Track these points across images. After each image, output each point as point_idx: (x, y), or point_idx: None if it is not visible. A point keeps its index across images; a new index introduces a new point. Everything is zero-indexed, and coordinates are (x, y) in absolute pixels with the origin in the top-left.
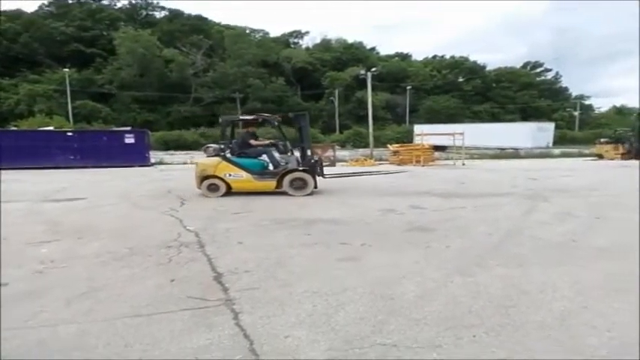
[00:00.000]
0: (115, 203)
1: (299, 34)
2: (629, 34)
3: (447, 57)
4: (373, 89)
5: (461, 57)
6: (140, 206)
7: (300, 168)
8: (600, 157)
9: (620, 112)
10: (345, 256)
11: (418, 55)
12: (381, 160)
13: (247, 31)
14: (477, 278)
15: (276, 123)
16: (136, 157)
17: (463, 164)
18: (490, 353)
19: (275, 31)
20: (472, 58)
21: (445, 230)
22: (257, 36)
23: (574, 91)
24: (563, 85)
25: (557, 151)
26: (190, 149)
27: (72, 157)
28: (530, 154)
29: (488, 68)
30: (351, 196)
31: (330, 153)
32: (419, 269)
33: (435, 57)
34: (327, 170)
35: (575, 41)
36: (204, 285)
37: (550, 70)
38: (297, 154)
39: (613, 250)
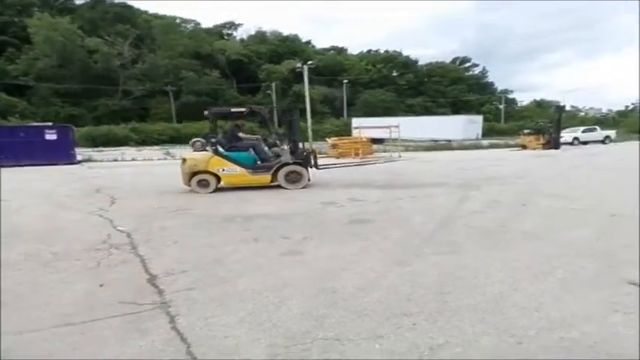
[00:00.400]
0: (38, 204)
1: (232, 26)
2: (544, 33)
3: (382, 51)
4: (310, 83)
5: (394, 52)
6: (65, 207)
7: (293, 161)
8: (524, 147)
9: (540, 105)
10: (287, 251)
11: (353, 50)
12: (320, 153)
13: (177, 21)
14: (414, 267)
15: (268, 115)
16: (60, 154)
17: (400, 156)
18: (429, 339)
19: (207, 22)
20: (405, 53)
21: (384, 221)
22: (188, 26)
23: (499, 86)
24: (490, 80)
25: (485, 142)
26: (121, 145)
27: None
28: (461, 146)
29: (420, 63)
30: (290, 190)
31: None
32: (359, 261)
33: (369, 51)
34: None
35: (499, 39)
36: (136, 288)
37: (477, 65)
38: (284, 147)
39: (538, 234)
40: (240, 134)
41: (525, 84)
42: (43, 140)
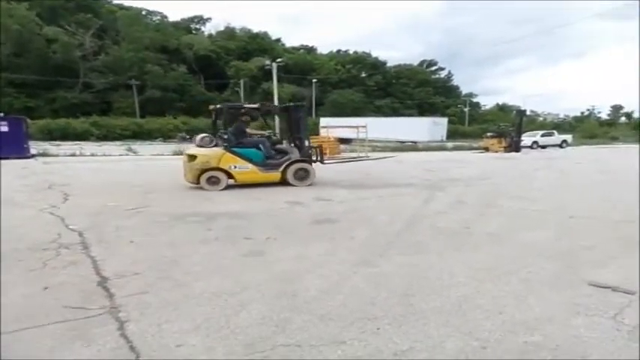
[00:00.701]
0: None
1: (201, 20)
2: (508, 38)
3: (351, 52)
4: (279, 81)
5: (364, 52)
6: (14, 203)
7: (300, 158)
8: (487, 149)
9: (502, 109)
10: (249, 252)
11: (323, 49)
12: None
13: (143, 13)
14: (379, 269)
15: (279, 113)
16: (12, 147)
17: (367, 156)
18: (393, 345)
19: (174, 16)
20: (373, 55)
21: (350, 221)
22: (154, 19)
23: (464, 89)
24: (455, 84)
25: (450, 144)
26: (80, 139)
27: None
28: (427, 147)
29: (388, 65)
30: (255, 188)
31: None
32: (324, 262)
33: (339, 51)
34: None
35: (464, 43)
36: (85, 292)
37: (444, 68)
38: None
39: (501, 235)
40: (248, 130)
41: (489, 88)
42: None
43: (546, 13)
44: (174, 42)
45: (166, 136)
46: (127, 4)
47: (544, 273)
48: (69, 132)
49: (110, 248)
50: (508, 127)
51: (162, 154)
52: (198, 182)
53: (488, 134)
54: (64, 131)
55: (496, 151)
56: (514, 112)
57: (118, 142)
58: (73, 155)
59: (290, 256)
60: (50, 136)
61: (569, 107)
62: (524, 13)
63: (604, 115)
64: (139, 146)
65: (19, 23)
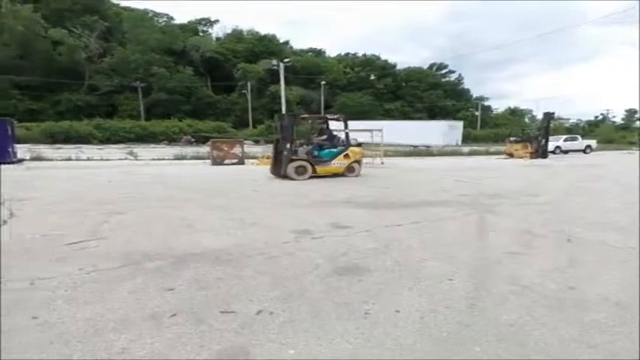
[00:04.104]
0: None
1: (208, 22)
2: (513, 43)
3: (360, 54)
4: (287, 84)
5: (372, 55)
6: None
7: None
8: (511, 155)
9: (513, 113)
10: (220, 350)
11: (331, 52)
12: None
13: (149, 15)
14: None
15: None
16: None
17: (382, 163)
18: None
19: (181, 18)
20: (382, 58)
21: (384, 271)
22: (160, 20)
23: (474, 93)
24: (466, 87)
25: (465, 149)
26: (82, 142)
27: None
28: (441, 152)
29: (397, 68)
30: (248, 200)
31: (237, 149)
32: None
33: (347, 54)
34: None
35: (470, 48)
36: None
37: (454, 72)
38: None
39: (624, 302)
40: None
41: (495, 92)
42: None
43: (548, 18)
44: (180, 44)
45: (171, 138)
46: (133, 5)
47: None
48: (72, 135)
49: None
50: (534, 131)
51: (163, 159)
52: None
53: (512, 139)
54: (67, 134)
55: (521, 157)
56: (538, 114)
57: (121, 145)
58: (69, 159)
59: None
60: (52, 139)
61: (579, 111)
62: (527, 17)
63: (618, 119)
64: (142, 149)
65: (23, 25)
